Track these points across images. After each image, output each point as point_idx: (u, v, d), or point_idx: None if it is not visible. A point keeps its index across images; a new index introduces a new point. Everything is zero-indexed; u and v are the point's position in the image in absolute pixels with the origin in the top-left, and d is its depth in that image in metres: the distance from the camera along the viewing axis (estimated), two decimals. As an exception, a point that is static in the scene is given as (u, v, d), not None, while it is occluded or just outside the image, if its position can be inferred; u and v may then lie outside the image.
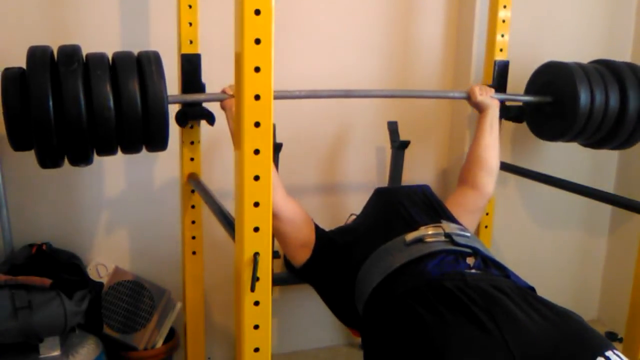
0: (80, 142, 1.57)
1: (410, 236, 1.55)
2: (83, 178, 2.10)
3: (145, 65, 1.63)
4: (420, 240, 1.54)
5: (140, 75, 1.62)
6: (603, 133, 2.20)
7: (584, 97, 2.09)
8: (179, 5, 1.88)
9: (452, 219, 1.69)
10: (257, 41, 1.06)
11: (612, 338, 2.66)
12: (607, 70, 2.18)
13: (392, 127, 2.30)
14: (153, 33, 2.09)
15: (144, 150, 1.71)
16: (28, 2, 1.96)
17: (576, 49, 2.62)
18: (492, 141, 1.97)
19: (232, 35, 1.11)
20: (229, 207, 1.44)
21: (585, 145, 2.37)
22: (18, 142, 1.59)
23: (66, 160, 1.63)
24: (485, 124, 1.99)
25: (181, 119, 1.88)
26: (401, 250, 1.52)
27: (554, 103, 2.20)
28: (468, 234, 1.59)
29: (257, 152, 1.11)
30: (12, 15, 1.95)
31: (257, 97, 1.09)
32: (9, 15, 1.95)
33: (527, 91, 2.34)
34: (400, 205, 1.71)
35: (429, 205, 1.73)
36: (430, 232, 1.56)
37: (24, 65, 1.57)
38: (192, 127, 1.96)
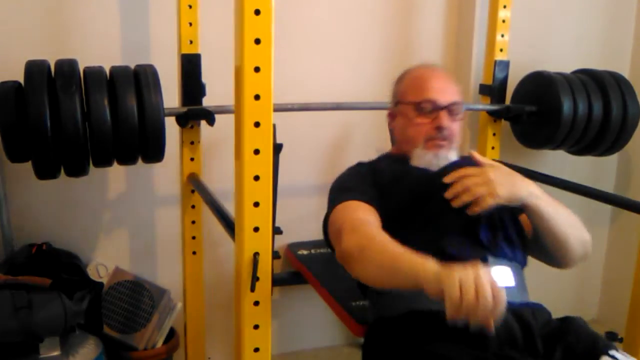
0: (78, 158, 1.60)
1: None
2: (83, 178, 2.10)
3: (142, 81, 1.65)
4: None
5: (137, 90, 1.64)
6: (588, 141, 2.28)
7: (566, 107, 2.16)
8: (179, 5, 1.89)
9: (505, 248, 1.41)
10: (257, 41, 1.06)
11: (612, 338, 2.65)
12: (591, 80, 2.26)
13: (393, 127, 2.30)
14: (153, 33, 2.09)
15: (144, 150, 1.72)
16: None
17: (576, 48, 2.62)
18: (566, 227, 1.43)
19: (232, 35, 1.11)
20: (229, 207, 1.44)
21: (571, 152, 2.44)
22: (14, 156, 1.61)
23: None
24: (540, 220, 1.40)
25: (182, 119, 1.88)
26: None
27: (538, 112, 2.25)
28: (513, 285, 1.36)
29: (257, 152, 1.12)
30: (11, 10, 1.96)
31: (257, 97, 1.09)
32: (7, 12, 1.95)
33: (513, 100, 2.39)
34: (445, 217, 1.38)
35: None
36: None
37: (23, 60, 1.59)
38: (192, 127, 1.96)
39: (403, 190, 1.46)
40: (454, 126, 1.53)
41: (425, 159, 1.50)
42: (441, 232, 1.37)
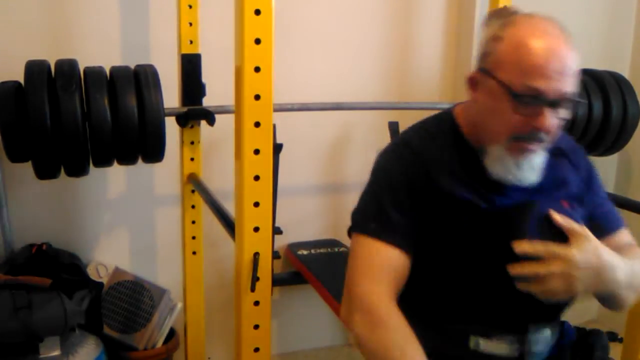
0: (78, 158, 1.60)
1: (475, 342, 1.13)
2: (83, 178, 2.09)
3: (142, 81, 1.66)
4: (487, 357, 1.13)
5: (137, 90, 1.64)
6: (587, 141, 2.27)
7: None
8: (179, 5, 1.89)
9: (557, 314, 1.20)
10: (257, 41, 1.06)
11: (612, 338, 2.66)
12: (591, 80, 2.26)
13: (393, 128, 2.30)
14: (153, 33, 2.09)
15: (144, 150, 1.72)
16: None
17: (576, 48, 2.62)
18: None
19: (232, 35, 1.11)
20: (229, 207, 1.44)
21: None
22: (14, 156, 1.61)
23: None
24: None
25: (182, 119, 1.88)
26: (459, 345, 1.14)
27: None
28: (549, 346, 1.18)
29: (257, 152, 1.12)
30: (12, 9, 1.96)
31: (257, 97, 1.09)
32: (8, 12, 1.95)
33: None
34: (497, 278, 1.08)
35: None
36: (499, 353, 1.13)
37: (23, 60, 1.59)
38: (192, 127, 1.96)
39: (459, 232, 1.11)
40: (556, 123, 1.09)
41: (504, 164, 1.11)
42: (487, 291, 1.11)
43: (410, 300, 1.11)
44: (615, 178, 2.81)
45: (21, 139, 1.57)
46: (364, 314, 1.05)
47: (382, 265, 1.09)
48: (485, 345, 1.12)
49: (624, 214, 2.62)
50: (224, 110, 1.86)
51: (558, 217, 1.09)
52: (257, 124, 1.10)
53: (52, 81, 1.57)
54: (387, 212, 1.11)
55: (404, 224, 1.11)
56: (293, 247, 2.34)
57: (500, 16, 1.13)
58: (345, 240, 2.46)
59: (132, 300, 2.10)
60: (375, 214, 1.12)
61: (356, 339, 1.06)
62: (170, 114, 1.80)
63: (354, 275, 1.10)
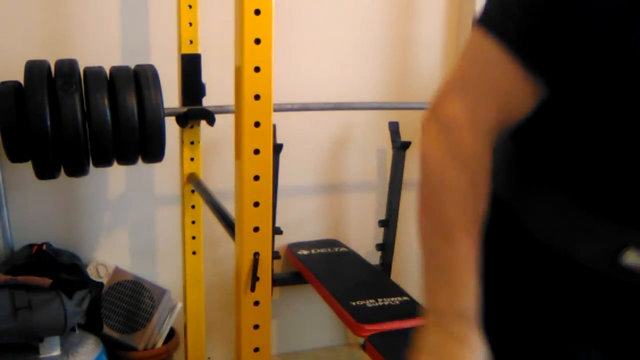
0: (78, 158, 1.60)
1: (630, 256, 0.73)
2: (83, 178, 2.10)
3: (142, 81, 1.66)
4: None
5: (137, 90, 1.65)
6: None
7: None
8: (179, 5, 1.89)
9: None
10: (257, 41, 1.07)
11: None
12: None
13: (394, 128, 2.30)
14: (153, 33, 2.09)
15: (144, 150, 1.71)
16: None
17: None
18: None
19: (232, 35, 1.11)
20: (229, 207, 1.44)
21: None
22: (14, 156, 1.62)
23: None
24: None
25: (182, 119, 1.88)
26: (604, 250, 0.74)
27: None
28: None
29: (257, 152, 1.12)
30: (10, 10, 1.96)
31: (257, 97, 1.09)
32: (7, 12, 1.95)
33: None
34: None
35: None
36: None
37: (23, 60, 1.59)
38: (192, 127, 1.96)
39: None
40: None
41: None
42: None
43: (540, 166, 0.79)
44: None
45: (21, 139, 1.58)
46: (445, 138, 0.76)
47: (495, 88, 0.76)
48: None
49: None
50: (224, 110, 1.86)
51: None
52: (257, 124, 1.10)
53: (52, 81, 1.57)
54: (538, 14, 0.70)
55: (558, 41, 0.70)
56: (293, 247, 2.34)
57: None
58: (345, 240, 2.46)
59: (132, 300, 2.10)
60: (519, 11, 0.72)
61: (421, 154, 0.79)
62: (170, 114, 1.81)
63: (456, 82, 0.81)
